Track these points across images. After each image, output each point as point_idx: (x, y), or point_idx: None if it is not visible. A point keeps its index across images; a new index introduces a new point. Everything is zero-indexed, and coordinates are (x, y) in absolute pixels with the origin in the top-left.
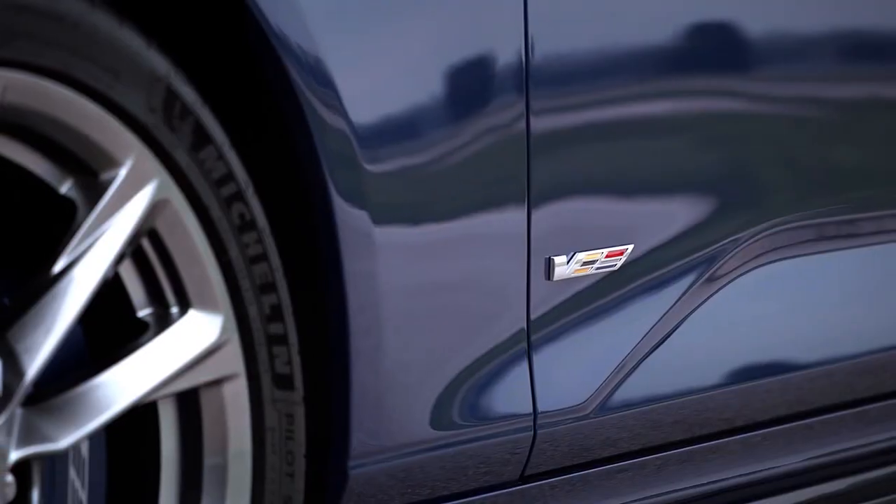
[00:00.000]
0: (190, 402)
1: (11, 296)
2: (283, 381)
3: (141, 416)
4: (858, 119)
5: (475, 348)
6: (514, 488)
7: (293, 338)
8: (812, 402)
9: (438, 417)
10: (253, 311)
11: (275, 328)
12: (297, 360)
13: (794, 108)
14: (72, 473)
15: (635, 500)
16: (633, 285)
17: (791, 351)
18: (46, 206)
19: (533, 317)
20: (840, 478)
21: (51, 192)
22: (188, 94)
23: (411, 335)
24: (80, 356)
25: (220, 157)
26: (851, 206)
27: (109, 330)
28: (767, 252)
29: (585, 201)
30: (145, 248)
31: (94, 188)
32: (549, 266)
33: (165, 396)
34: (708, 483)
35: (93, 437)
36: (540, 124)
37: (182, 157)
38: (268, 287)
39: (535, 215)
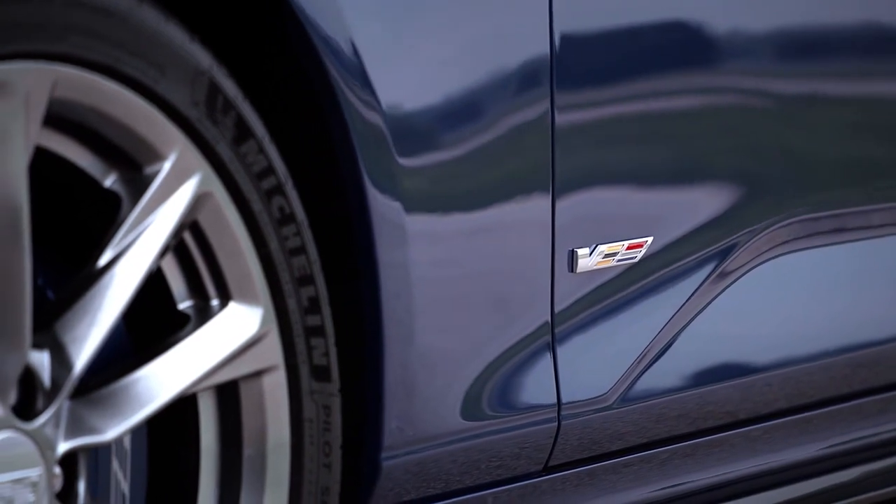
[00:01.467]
0: (229, 393)
1: (56, 289)
2: (321, 373)
3: (180, 408)
4: (872, 114)
5: (502, 339)
6: (537, 479)
7: (330, 329)
8: (825, 392)
9: (468, 408)
10: (292, 303)
11: (312, 320)
12: (333, 351)
13: (811, 104)
14: (115, 465)
15: (658, 490)
16: (651, 277)
17: (800, 343)
18: (89, 200)
19: (557, 308)
20: (845, 468)
21: (94, 186)
22: (230, 88)
23: (441, 326)
24: (122, 348)
25: (261, 150)
26: (863, 199)
27: (150, 322)
28: (778, 245)
29: (607, 194)
30: (187, 241)
31: (138, 182)
32: (573, 258)
33: (206, 388)
34: (722, 473)
35: (134, 430)
36: (564, 118)
37: (224, 151)
38: (306, 279)
39: (559, 208)
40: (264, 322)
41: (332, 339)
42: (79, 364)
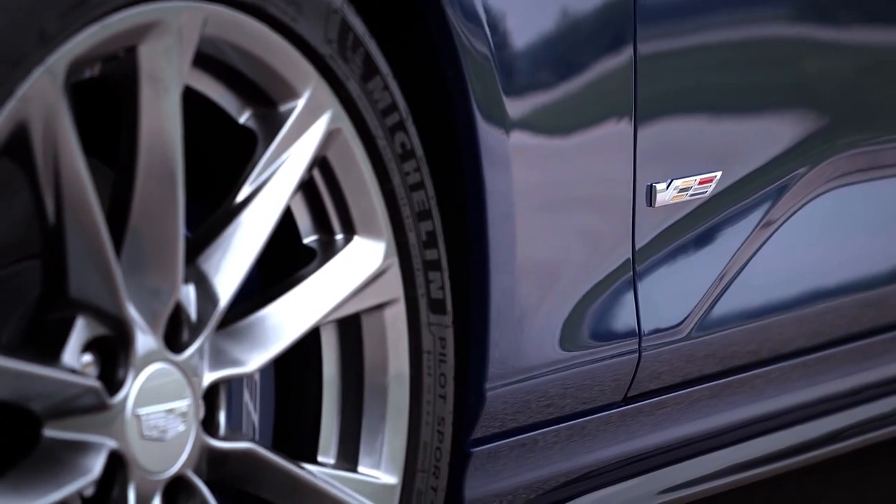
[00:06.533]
0: (351, 326)
1: (192, 228)
2: (437, 306)
3: (304, 341)
4: None
5: (595, 270)
6: (618, 409)
7: (445, 263)
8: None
9: (565, 339)
10: (412, 237)
11: (430, 254)
12: (448, 284)
13: (872, 39)
14: (246, 397)
15: (730, 418)
16: (720, 211)
17: (845, 273)
18: (217, 139)
19: (637, 240)
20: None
21: (227, 123)
22: (359, 26)
23: (543, 257)
24: (251, 282)
25: (386, 87)
26: None
27: (277, 256)
28: (837, 177)
29: (681, 131)
30: (314, 177)
31: (273, 118)
32: (652, 193)
33: (330, 322)
34: (792, 399)
35: None
36: (644, 60)
37: (353, 88)
38: (424, 214)
39: (640, 144)
40: (387, 256)
41: (447, 273)
42: (224, 298)
